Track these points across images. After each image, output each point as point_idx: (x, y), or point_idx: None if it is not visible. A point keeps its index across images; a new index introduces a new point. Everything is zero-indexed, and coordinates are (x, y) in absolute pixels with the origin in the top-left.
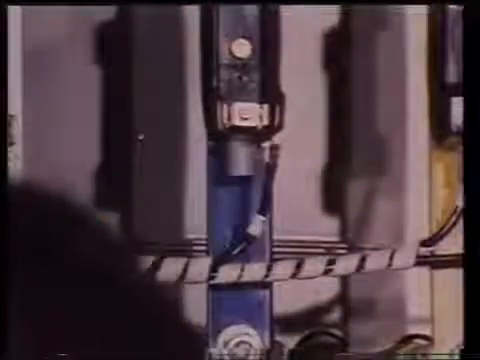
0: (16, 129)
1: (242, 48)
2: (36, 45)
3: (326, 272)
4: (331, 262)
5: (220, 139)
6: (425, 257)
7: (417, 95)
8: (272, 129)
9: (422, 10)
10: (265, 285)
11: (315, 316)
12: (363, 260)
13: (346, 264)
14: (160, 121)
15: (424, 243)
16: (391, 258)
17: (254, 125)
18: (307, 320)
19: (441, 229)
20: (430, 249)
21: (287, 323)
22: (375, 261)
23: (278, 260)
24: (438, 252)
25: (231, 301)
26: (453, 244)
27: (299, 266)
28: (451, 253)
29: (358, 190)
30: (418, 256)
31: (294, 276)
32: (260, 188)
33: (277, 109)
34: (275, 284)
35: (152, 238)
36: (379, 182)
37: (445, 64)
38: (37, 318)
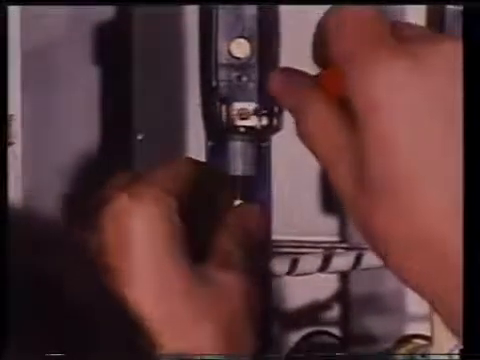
0: (15, 129)
1: (241, 48)
2: (35, 45)
3: (322, 269)
4: (327, 259)
5: (220, 139)
6: None
7: None
8: (271, 129)
9: (422, 10)
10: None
11: (314, 315)
12: (359, 257)
13: (342, 261)
14: (160, 121)
15: None
16: None
17: (253, 125)
18: (306, 318)
19: None
20: None
21: (286, 321)
22: (371, 258)
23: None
24: None
25: None
26: None
27: (294, 263)
28: None
29: None
30: None
31: (289, 273)
32: (259, 188)
33: (276, 109)
34: (273, 282)
35: None
36: None
37: None
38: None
